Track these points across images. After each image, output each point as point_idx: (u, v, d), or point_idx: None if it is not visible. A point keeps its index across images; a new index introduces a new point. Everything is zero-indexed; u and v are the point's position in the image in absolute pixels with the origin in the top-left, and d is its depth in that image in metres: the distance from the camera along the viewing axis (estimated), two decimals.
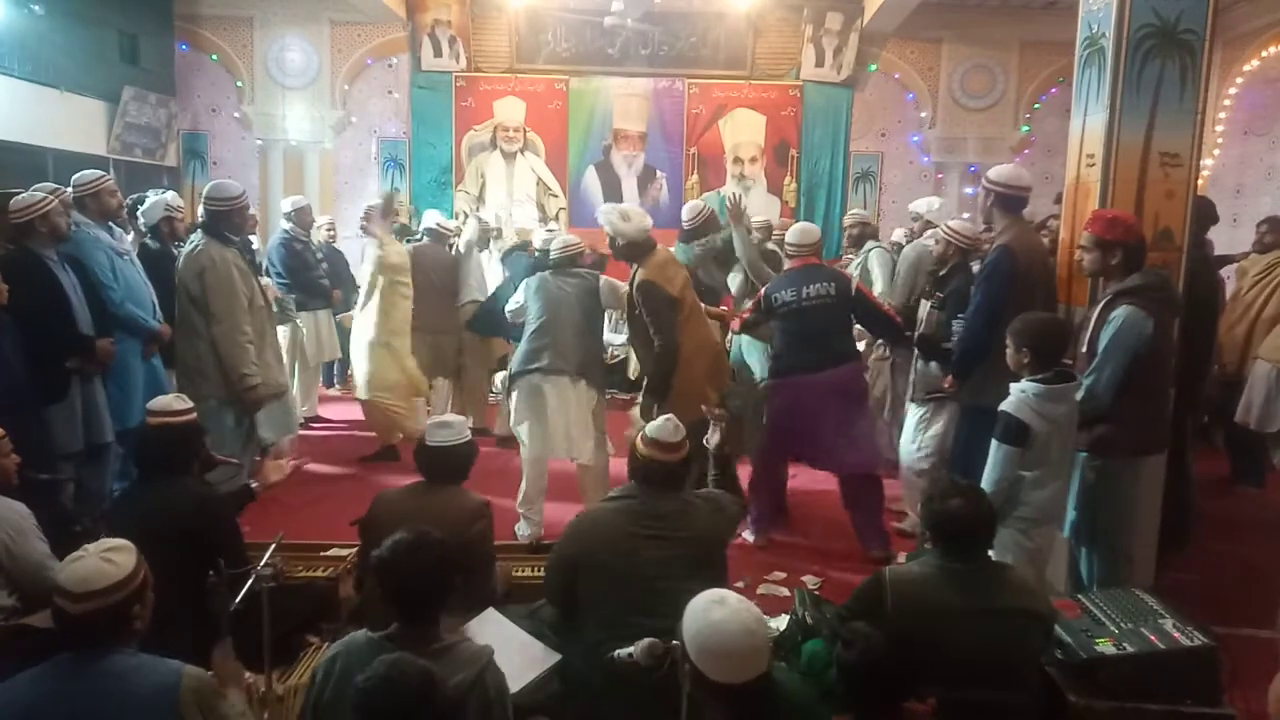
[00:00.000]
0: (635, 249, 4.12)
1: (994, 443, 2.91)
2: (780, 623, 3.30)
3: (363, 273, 5.61)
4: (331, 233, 7.08)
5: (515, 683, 2.25)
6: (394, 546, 2.07)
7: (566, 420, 4.24)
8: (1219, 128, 8.11)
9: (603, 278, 4.46)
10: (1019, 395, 2.90)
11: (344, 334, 7.19)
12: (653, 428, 2.72)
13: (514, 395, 4.36)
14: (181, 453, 2.80)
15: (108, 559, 1.84)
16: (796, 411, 4.17)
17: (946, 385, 3.86)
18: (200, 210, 4.18)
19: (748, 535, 4.37)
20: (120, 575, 1.83)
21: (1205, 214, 4.31)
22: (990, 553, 2.36)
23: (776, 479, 4.61)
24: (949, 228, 4.20)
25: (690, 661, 1.83)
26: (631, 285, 4.14)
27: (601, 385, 4.45)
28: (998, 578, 2.29)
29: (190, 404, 2.93)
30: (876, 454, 4.34)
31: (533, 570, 3.30)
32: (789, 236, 4.46)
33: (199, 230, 3.98)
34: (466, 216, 6.66)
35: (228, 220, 3.92)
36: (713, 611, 1.83)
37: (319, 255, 6.35)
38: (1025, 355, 2.94)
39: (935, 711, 1.95)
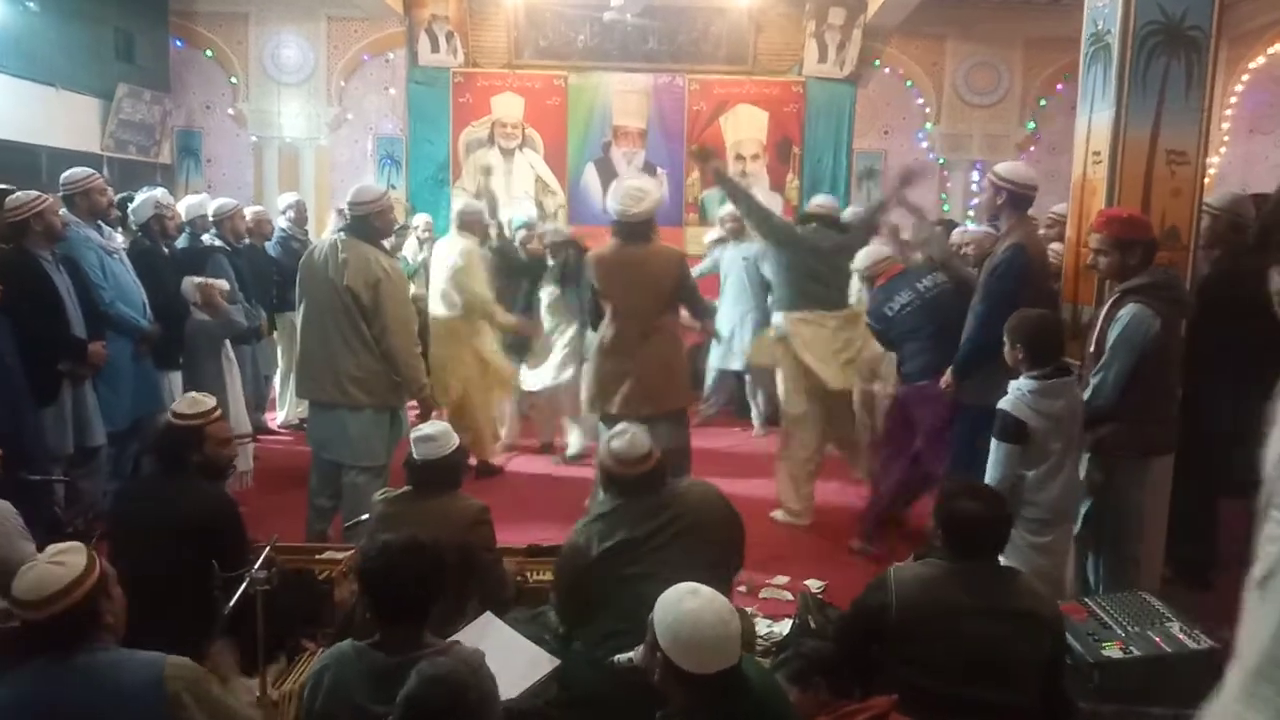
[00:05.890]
0: (618, 228, 3.97)
1: (993, 441, 2.94)
2: (783, 627, 3.28)
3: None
4: (427, 232, 6.52)
5: (514, 688, 2.24)
6: (382, 550, 2.05)
7: None
8: (1225, 125, 8.05)
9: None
10: (1016, 393, 2.93)
11: None
12: (616, 444, 2.63)
13: None
14: (196, 452, 2.82)
15: (56, 562, 1.82)
16: (940, 414, 3.87)
17: (944, 385, 3.77)
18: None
19: (858, 546, 4.24)
20: (72, 575, 1.79)
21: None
22: (1000, 557, 2.33)
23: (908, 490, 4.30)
24: None
25: (662, 651, 1.83)
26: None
27: None
28: (1004, 580, 2.27)
29: (211, 405, 2.94)
30: None
31: (532, 574, 3.26)
32: (863, 262, 4.28)
33: (342, 232, 3.90)
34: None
35: (369, 223, 3.87)
36: (686, 602, 1.84)
37: None
38: (1020, 351, 2.97)
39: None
